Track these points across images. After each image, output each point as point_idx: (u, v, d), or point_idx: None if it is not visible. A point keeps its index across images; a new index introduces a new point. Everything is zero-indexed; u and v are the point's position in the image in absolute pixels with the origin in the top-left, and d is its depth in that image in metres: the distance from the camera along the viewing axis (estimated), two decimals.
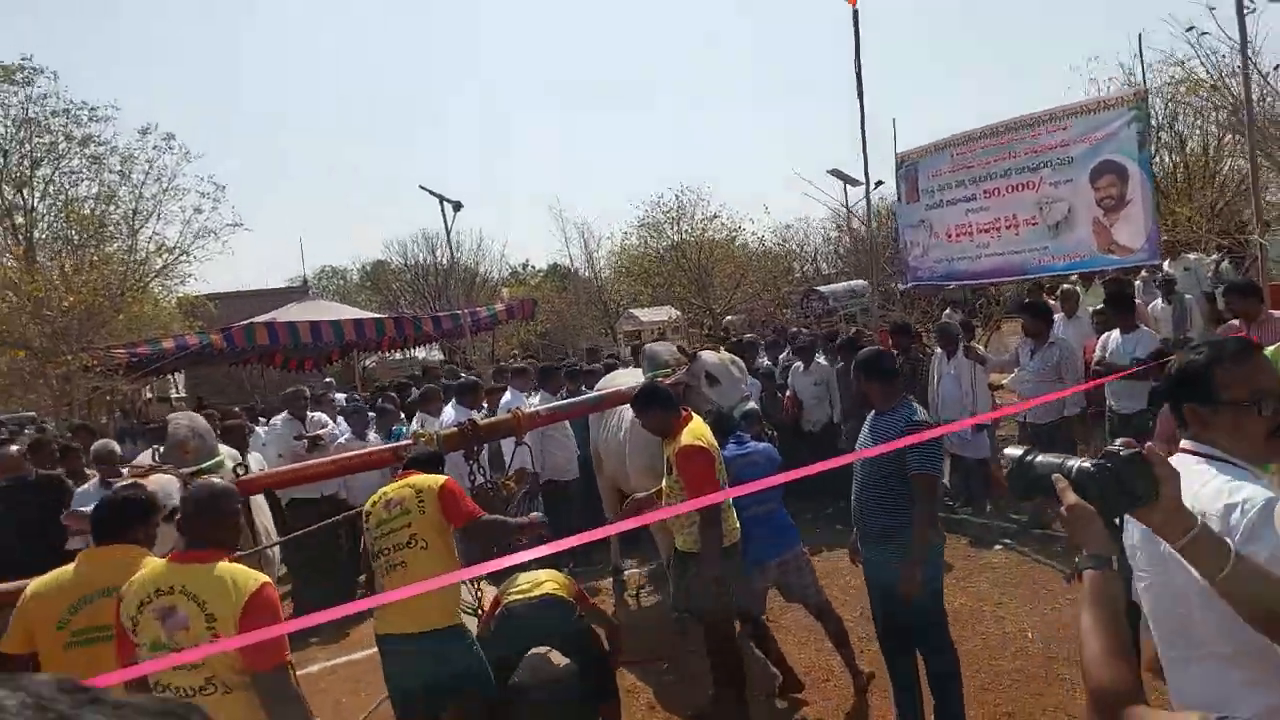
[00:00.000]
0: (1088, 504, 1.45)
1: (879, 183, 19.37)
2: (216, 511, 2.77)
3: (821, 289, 15.27)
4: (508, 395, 7.05)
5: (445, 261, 29.46)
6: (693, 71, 60.16)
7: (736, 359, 5.58)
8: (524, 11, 61.43)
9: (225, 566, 2.67)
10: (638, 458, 5.57)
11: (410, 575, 3.47)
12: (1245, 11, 6.00)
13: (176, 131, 17.86)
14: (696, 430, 4.32)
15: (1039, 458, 1.57)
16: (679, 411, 4.42)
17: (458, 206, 17.83)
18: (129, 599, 2.63)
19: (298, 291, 27.36)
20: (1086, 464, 1.48)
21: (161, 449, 4.33)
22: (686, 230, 20.87)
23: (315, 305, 19.89)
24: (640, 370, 7.94)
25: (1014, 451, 1.62)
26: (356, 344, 19.12)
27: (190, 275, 18.86)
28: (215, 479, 3.62)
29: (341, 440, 7.07)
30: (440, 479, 3.79)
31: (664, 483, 4.46)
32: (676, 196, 21.24)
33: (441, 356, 25.64)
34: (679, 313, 21.32)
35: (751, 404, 5.23)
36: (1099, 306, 7.08)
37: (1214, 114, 8.50)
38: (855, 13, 9.00)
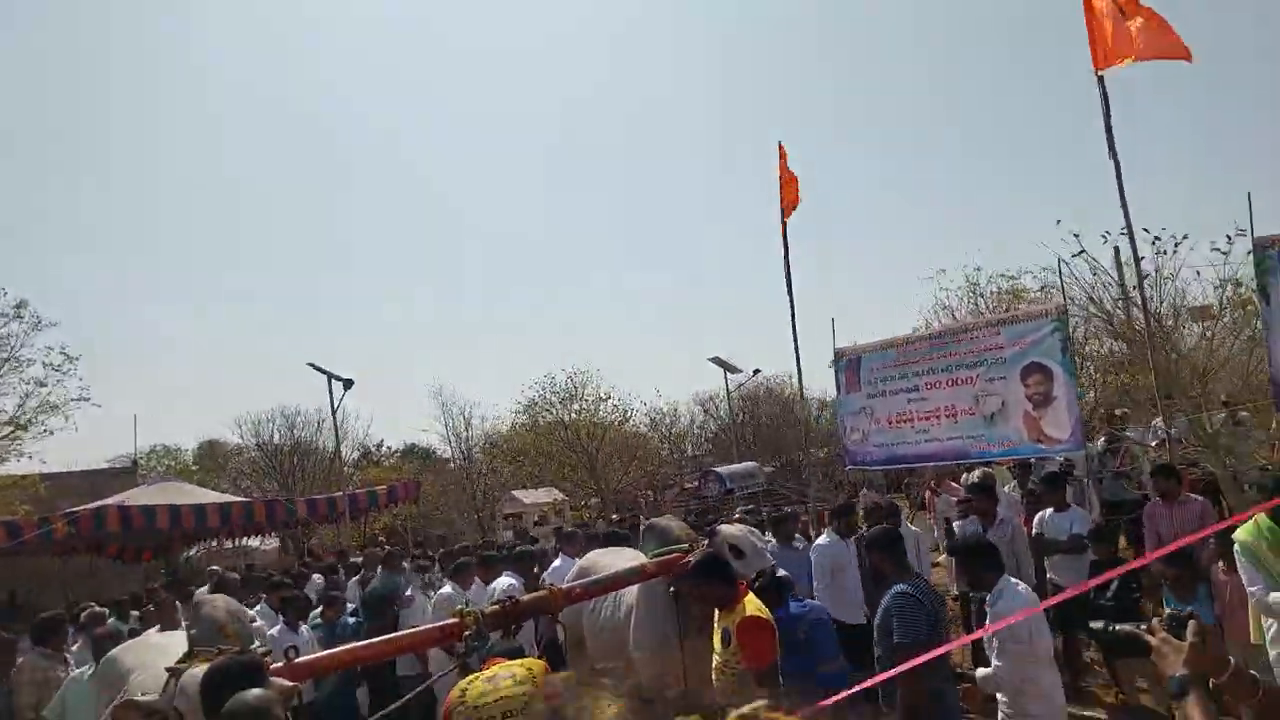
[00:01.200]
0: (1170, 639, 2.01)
1: (756, 370, 20.92)
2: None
3: (719, 470, 15.94)
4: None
5: (314, 441, 28.25)
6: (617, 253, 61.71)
7: (753, 529, 5.88)
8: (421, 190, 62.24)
9: None
10: (645, 638, 5.60)
11: None
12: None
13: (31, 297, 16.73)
14: (756, 602, 4.55)
15: (1117, 627, 2.24)
16: (737, 584, 4.64)
17: (348, 384, 17.60)
18: None
19: (125, 472, 25.32)
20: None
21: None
22: (578, 410, 21.32)
23: (165, 488, 18.50)
24: (623, 549, 8.07)
25: (1097, 624, 2.34)
26: (217, 530, 17.78)
27: (22, 453, 17.02)
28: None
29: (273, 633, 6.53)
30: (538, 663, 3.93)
31: (717, 657, 4.59)
32: (570, 378, 21.87)
33: (278, 544, 24.06)
34: (562, 495, 21.33)
35: (782, 571, 5.52)
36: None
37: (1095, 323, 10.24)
38: (784, 224, 10.32)
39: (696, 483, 17.23)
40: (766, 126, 61.58)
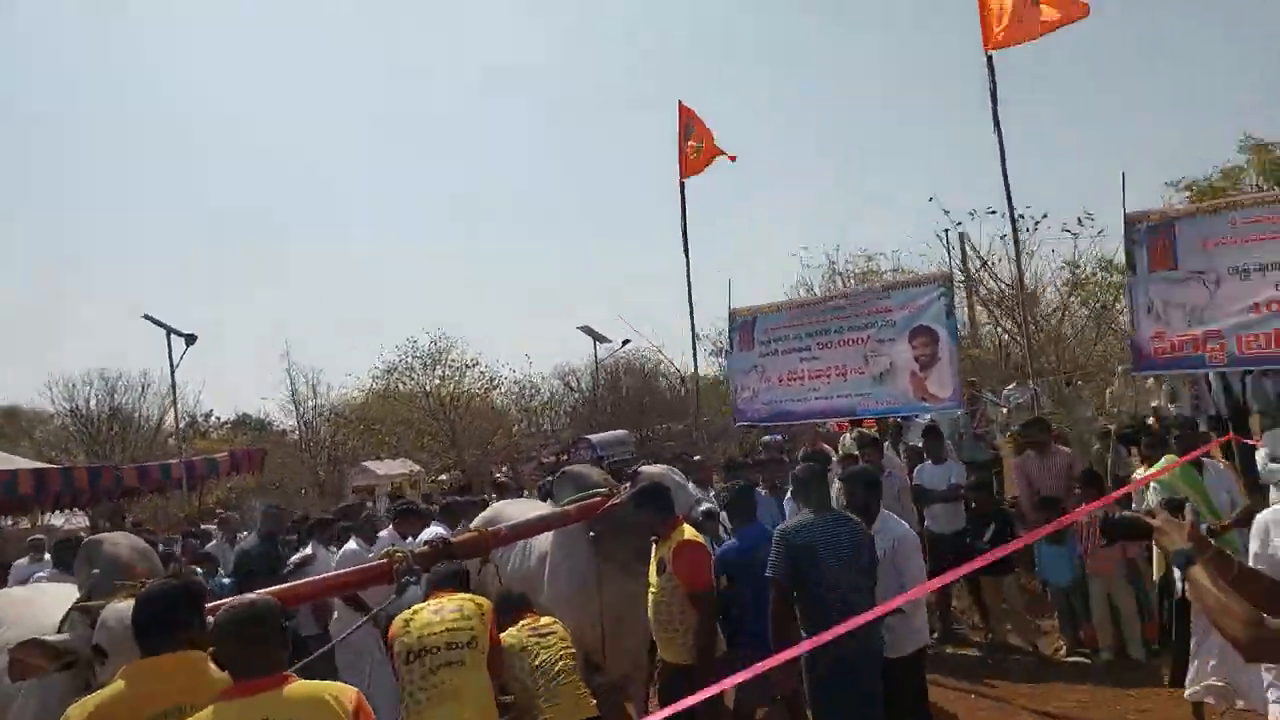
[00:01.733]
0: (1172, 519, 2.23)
1: (625, 341, 21.03)
2: (272, 628, 2.47)
3: (590, 438, 15.91)
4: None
5: (136, 408, 25.84)
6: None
7: (672, 467, 5.94)
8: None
9: (307, 684, 2.44)
10: (563, 583, 5.56)
11: (466, 672, 3.62)
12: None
13: None
14: (692, 531, 4.62)
15: (1120, 514, 2.49)
16: (674, 513, 4.70)
17: (190, 340, 16.11)
18: None
19: None
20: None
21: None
22: (441, 376, 20.63)
23: None
24: (535, 499, 7.93)
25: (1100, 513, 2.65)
26: (32, 499, 15.99)
27: None
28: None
29: None
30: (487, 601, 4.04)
31: (653, 589, 4.63)
32: (434, 342, 21.07)
33: (86, 522, 21.98)
34: (418, 466, 20.65)
35: (707, 504, 5.61)
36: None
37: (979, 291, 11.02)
38: (682, 185, 10.49)
39: (554, 456, 17.17)
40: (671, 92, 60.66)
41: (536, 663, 4.04)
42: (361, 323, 45.78)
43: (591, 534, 5.39)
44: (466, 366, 20.76)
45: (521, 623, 4.23)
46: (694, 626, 4.36)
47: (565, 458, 15.28)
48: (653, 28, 60.57)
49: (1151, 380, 9.43)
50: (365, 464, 20.75)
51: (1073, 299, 10.18)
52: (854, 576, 4.14)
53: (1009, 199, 8.35)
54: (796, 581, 4.16)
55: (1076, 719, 5.46)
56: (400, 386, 21.55)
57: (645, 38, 59.26)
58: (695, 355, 11.68)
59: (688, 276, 10.38)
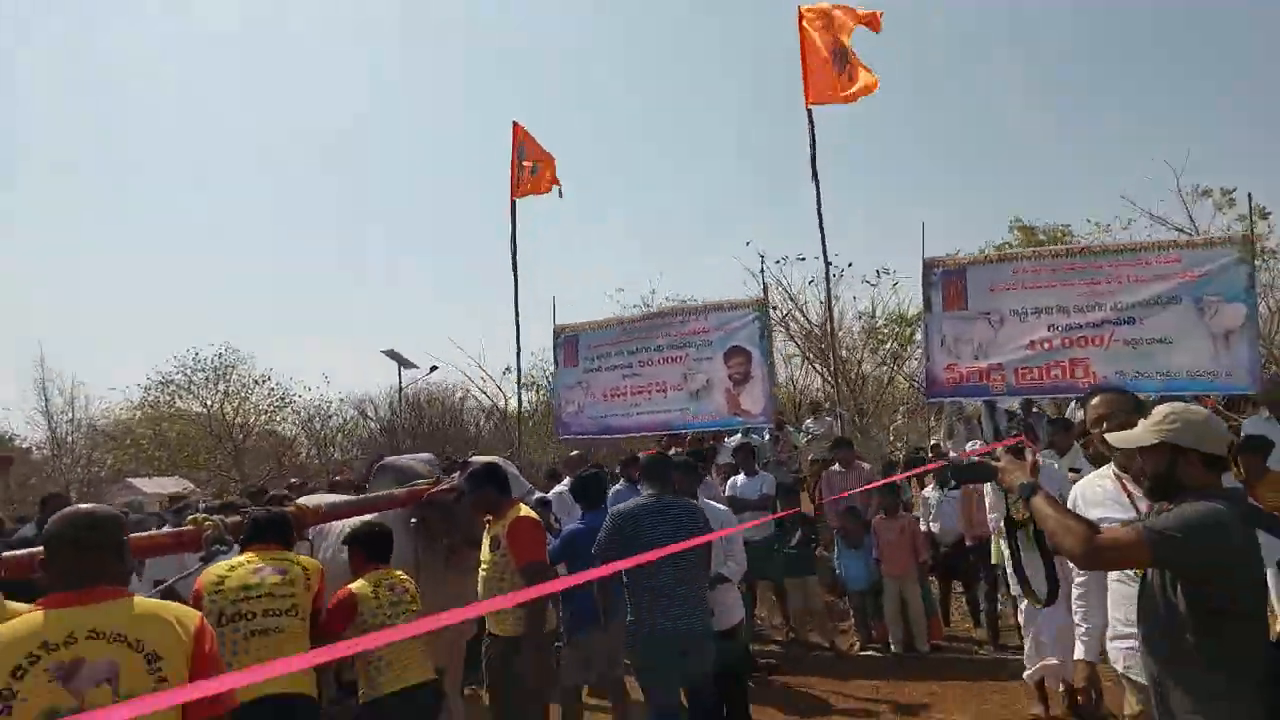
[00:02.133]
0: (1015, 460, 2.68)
1: (433, 368, 20.43)
2: (111, 538, 2.20)
3: (393, 460, 15.18)
4: None
5: None
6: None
7: (506, 459, 5.94)
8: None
9: (149, 601, 2.23)
10: None
11: (284, 641, 3.47)
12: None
13: None
14: (526, 509, 4.63)
15: (969, 459, 2.98)
16: (511, 494, 4.69)
17: None
18: None
19: None
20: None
21: None
22: (225, 392, 18.99)
23: None
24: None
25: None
26: None
27: None
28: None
29: None
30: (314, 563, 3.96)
31: (485, 567, 4.57)
32: (219, 355, 19.38)
33: None
34: (192, 485, 18.83)
35: (539, 494, 5.66)
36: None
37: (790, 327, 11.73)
38: (513, 204, 10.52)
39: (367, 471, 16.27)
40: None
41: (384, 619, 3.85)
42: (135, 332, 41.35)
43: (414, 521, 5.23)
44: (255, 383, 19.30)
45: (373, 574, 4.03)
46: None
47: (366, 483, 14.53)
48: (491, 44, 59.64)
49: (932, 419, 10.47)
50: (131, 480, 18.68)
51: (867, 345, 11.18)
52: (683, 551, 4.26)
53: (824, 246, 9.08)
54: (624, 555, 4.23)
55: (871, 703, 5.84)
56: (177, 401, 19.62)
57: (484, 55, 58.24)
58: (519, 375, 11.55)
59: (515, 298, 10.41)
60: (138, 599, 2.15)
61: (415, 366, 19.67)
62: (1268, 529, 2.18)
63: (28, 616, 2.03)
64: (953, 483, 3.55)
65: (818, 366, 10.96)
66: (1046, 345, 7.39)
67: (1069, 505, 3.04)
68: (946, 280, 7.76)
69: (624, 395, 9.13)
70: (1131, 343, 7.16)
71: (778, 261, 12.48)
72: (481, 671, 4.63)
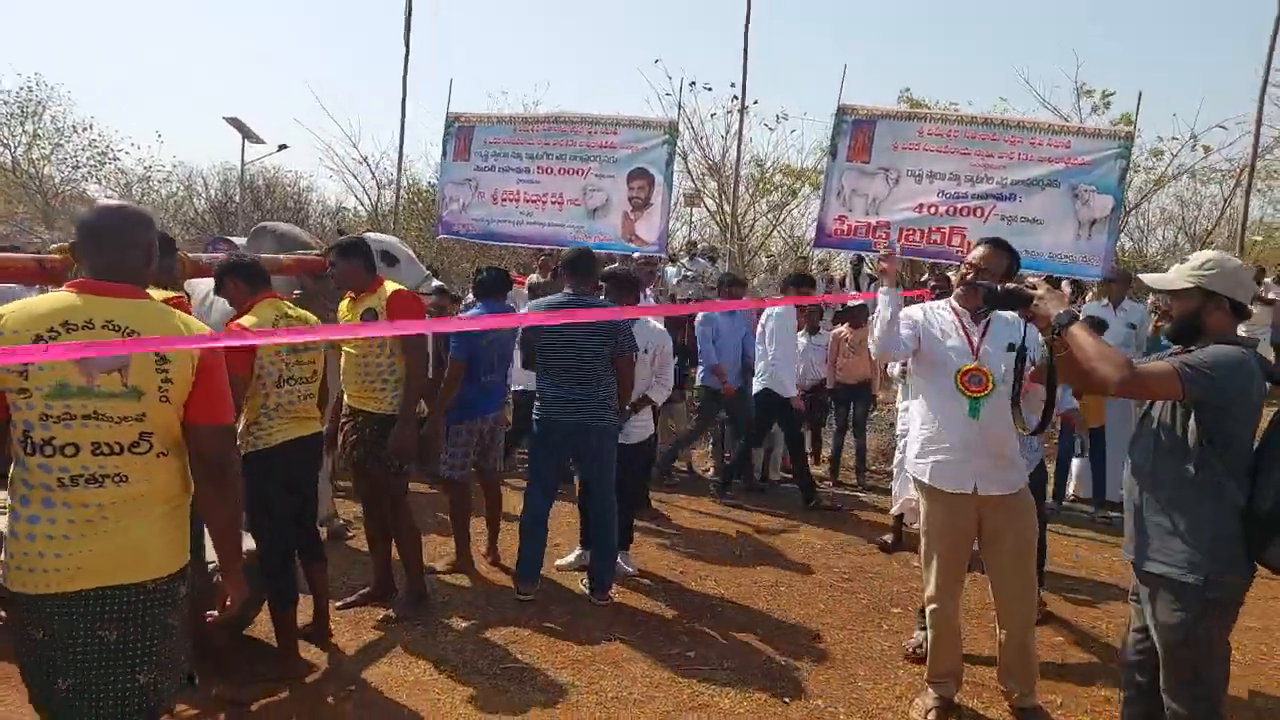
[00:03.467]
0: (1052, 289, 2.79)
1: (282, 146, 18.82)
2: (139, 236, 2.13)
3: (233, 239, 14.01)
4: None
5: None
6: None
7: (404, 240, 5.74)
8: None
9: (162, 306, 2.20)
10: None
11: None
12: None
13: None
14: (399, 286, 4.41)
15: (1003, 286, 2.88)
16: (378, 273, 4.44)
17: None
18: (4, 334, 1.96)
19: None
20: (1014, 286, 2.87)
21: None
22: (31, 134, 16.58)
23: None
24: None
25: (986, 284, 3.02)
26: None
27: None
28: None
29: None
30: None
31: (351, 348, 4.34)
32: (26, 89, 16.79)
33: None
34: None
35: (438, 281, 5.51)
36: None
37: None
38: None
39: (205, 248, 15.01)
40: None
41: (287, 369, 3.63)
42: None
43: (297, 294, 4.95)
44: (74, 129, 16.99)
45: (267, 303, 3.64)
46: (403, 376, 4.17)
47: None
48: None
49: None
50: None
51: (754, 191, 11.22)
52: (585, 340, 4.41)
53: (744, 77, 8.88)
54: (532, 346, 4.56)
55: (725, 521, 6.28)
56: None
57: None
58: (401, 159, 10.80)
59: (405, 71, 9.54)
60: (158, 304, 2.17)
61: (262, 141, 17.97)
62: (1268, 379, 2.43)
63: (58, 294, 2.05)
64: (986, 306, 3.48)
65: (710, 204, 11.01)
66: (932, 210, 7.67)
67: (914, 322, 3.37)
68: (856, 129, 7.81)
69: (516, 201, 8.78)
70: (1008, 219, 7.55)
71: (689, 85, 12.19)
72: (339, 454, 4.51)
